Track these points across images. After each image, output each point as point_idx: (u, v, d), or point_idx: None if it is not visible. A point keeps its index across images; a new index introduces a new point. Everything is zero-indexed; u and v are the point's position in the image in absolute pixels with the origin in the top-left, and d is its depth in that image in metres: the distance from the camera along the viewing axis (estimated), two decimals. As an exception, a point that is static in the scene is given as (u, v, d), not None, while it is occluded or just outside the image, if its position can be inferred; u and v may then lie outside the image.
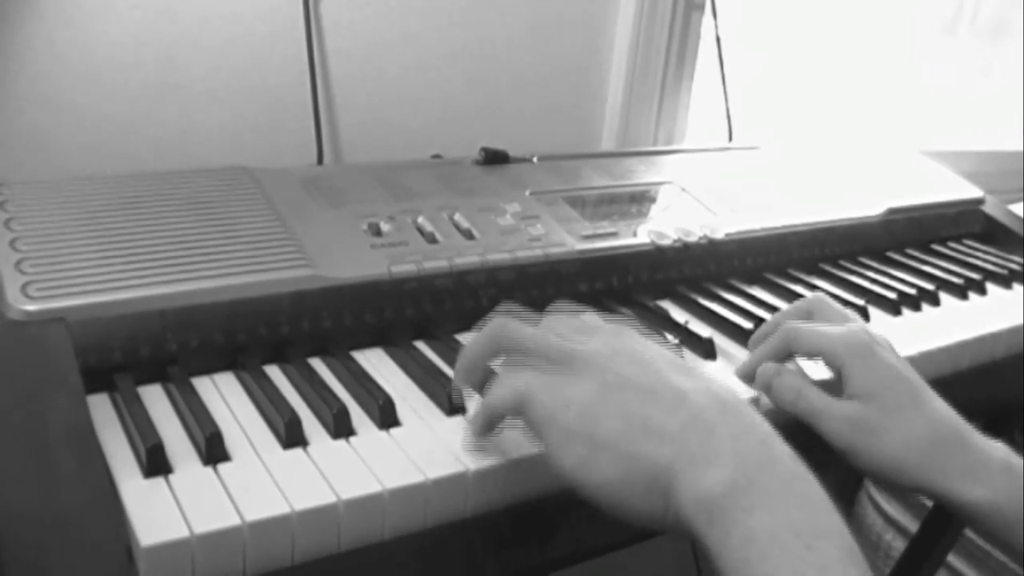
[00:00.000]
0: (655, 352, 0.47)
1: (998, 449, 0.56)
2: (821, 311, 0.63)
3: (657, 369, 0.46)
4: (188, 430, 0.50)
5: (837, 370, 0.58)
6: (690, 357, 0.65)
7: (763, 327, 0.66)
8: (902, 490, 0.57)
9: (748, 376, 0.63)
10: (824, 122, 1.38)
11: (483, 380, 0.50)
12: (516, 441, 0.49)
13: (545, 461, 0.45)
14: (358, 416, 0.53)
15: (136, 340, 0.54)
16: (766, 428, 0.44)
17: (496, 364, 0.50)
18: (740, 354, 0.67)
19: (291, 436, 0.50)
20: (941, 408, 0.57)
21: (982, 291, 0.87)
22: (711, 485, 0.41)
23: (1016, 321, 0.80)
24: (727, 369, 0.65)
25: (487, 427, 0.48)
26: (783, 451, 0.43)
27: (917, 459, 0.55)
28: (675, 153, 0.94)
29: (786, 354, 0.61)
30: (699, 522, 0.41)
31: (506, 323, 0.49)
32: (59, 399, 0.46)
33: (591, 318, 0.51)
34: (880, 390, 0.56)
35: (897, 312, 0.79)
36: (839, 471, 0.58)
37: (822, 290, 0.80)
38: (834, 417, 0.56)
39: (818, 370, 0.61)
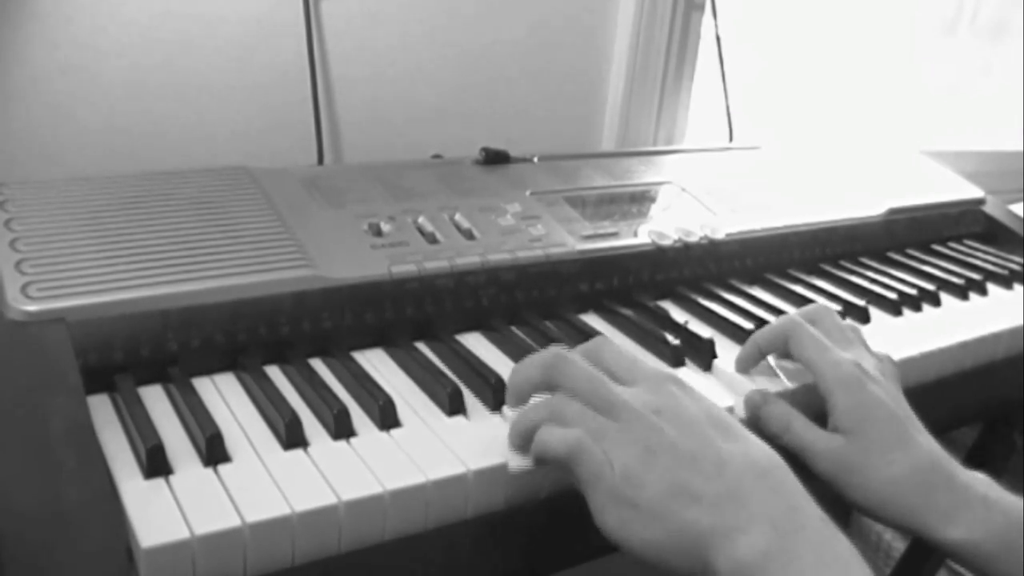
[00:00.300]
0: (697, 406, 0.49)
1: (979, 482, 0.56)
2: (822, 322, 0.63)
3: (700, 431, 0.47)
4: (188, 431, 0.50)
5: (824, 396, 0.58)
6: (690, 358, 0.65)
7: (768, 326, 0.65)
8: (885, 524, 0.57)
9: (746, 366, 0.64)
10: (824, 122, 1.38)
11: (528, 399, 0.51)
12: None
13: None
14: (359, 417, 0.53)
15: (136, 340, 0.54)
16: (799, 492, 0.46)
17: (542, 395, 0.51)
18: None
19: (291, 437, 0.50)
20: (925, 446, 0.57)
21: (983, 291, 0.87)
22: (745, 553, 0.43)
23: (1017, 322, 0.80)
24: (728, 369, 0.65)
25: (535, 461, 0.49)
26: (814, 514, 0.45)
27: (898, 500, 0.55)
28: (675, 153, 0.94)
29: (782, 346, 0.61)
30: None
31: (558, 358, 0.50)
32: (59, 399, 0.46)
33: (636, 357, 0.52)
34: (864, 428, 0.56)
35: (898, 312, 0.79)
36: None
37: (823, 290, 0.80)
38: (819, 453, 0.57)
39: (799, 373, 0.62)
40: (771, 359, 0.64)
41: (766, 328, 0.63)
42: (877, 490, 0.56)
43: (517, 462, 0.49)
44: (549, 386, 0.50)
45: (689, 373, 0.64)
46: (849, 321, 0.65)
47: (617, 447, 0.46)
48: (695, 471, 0.45)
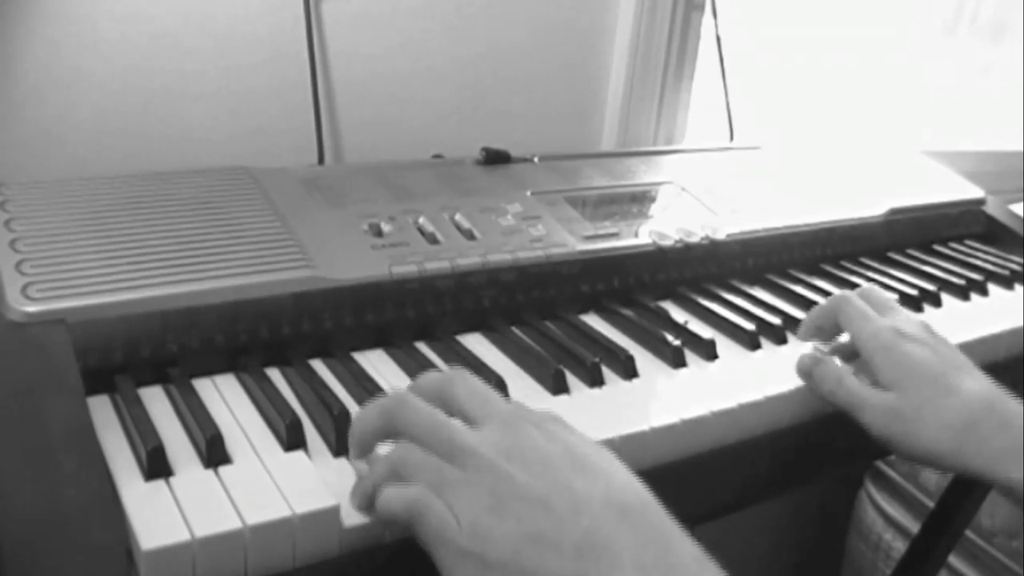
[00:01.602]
0: (552, 446, 0.44)
1: None
2: (867, 299, 0.66)
3: (553, 471, 0.43)
4: (189, 432, 0.50)
5: (868, 361, 0.61)
6: (691, 358, 0.65)
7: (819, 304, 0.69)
8: (948, 472, 0.58)
9: (805, 335, 0.69)
10: (824, 122, 1.38)
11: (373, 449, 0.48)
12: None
13: None
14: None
15: (136, 341, 0.54)
16: (668, 530, 0.42)
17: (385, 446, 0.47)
18: (742, 355, 0.67)
19: (292, 438, 0.50)
20: (975, 388, 0.58)
21: (983, 292, 0.87)
22: None
23: (1017, 322, 0.80)
24: (728, 369, 0.65)
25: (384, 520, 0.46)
26: (687, 553, 0.41)
27: (952, 445, 0.56)
28: (675, 153, 0.94)
29: (833, 320, 0.65)
30: None
31: (399, 401, 0.46)
32: (59, 400, 0.46)
33: (488, 391, 0.48)
34: (907, 382, 0.58)
35: (898, 313, 0.79)
36: (839, 472, 0.59)
37: (823, 291, 0.80)
38: (871, 407, 0.58)
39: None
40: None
41: (818, 306, 0.68)
42: (932, 438, 0.56)
43: (355, 519, 0.45)
44: (390, 433, 0.46)
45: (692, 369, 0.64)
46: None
47: (462, 499, 0.42)
48: (549, 518, 0.41)
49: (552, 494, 0.42)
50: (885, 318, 0.63)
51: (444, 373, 0.48)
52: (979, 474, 0.56)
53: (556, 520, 0.41)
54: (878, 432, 0.58)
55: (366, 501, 0.45)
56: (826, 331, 0.67)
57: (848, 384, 0.60)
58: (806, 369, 0.62)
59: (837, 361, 0.63)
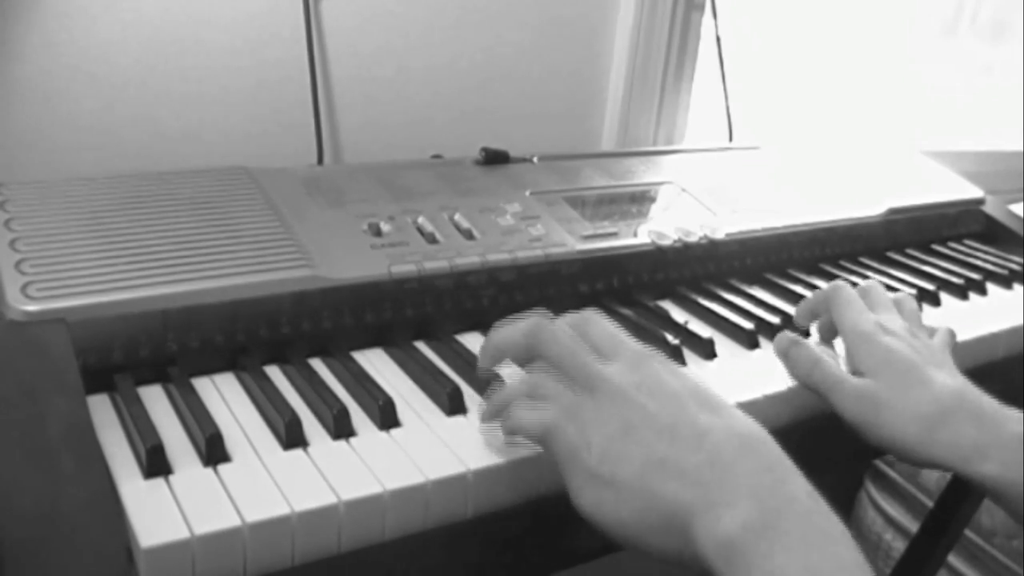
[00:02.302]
0: (679, 382, 0.47)
1: (1013, 420, 0.56)
2: (867, 290, 0.67)
3: (679, 404, 0.46)
4: (188, 431, 0.50)
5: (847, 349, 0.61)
6: (690, 357, 0.65)
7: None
8: (916, 465, 0.58)
9: (801, 319, 0.69)
10: (824, 122, 1.38)
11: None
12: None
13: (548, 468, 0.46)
14: (358, 417, 0.53)
15: (136, 341, 0.54)
16: (786, 465, 0.44)
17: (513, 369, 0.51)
18: (741, 354, 0.67)
19: (291, 437, 0.50)
20: (948, 382, 0.58)
21: (982, 291, 0.87)
22: (728, 527, 0.41)
23: (1016, 321, 0.80)
24: (727, 369, 0.65)
25: (508, 436, 0.49)
26: (801, 488, 0.43)
27: (923, 435, 0.56)
28: (675, 153, 0.94)
29: (826, 307, 0.66)
30: (718, 562, 0.41)
31: (543, 326, 0.49)
32: (59, 400, 0.46)
33: (620, 332, 0.51)
34: (881, 370, 0.58)
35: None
36: (839, 471, 0.59)
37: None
38: (844, 391, 0.58)
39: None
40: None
41: (815, 292, 0.68)
42: (904, 427, 0.56)
43: (490, 435, 0.49)
44: (529, 351, 0.49)
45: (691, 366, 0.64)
46: (904, 293, 0.69)
47: (593, 424, 0.45)
48: (674, 444, 0.44)
49: (678, 423, 0.45)
50: (875, 312, 0.63)
51: (581, 314, 0.52)
52: (947, 467, 0.56)
53: (680, 447, 0.44)
54: (849, 416, 0.58)
55: (496, 414, 0.48)
56: (820, 314, 0.68)
57: (823, 366, 0.60)
58: (783, 349, 0.62)
59: (814, 345, 0.63)
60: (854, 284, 0.81)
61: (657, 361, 0.48)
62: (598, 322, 0.51)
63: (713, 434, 0.44)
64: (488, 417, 0.50)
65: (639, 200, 0.81)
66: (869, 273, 0.86)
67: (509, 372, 0.51)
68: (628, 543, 0.44)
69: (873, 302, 0.65)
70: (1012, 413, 0.57)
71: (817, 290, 0.69)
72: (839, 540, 0.41)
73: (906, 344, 0.60)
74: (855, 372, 0.60)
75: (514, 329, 0.50)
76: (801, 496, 0.42)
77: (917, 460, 0.57)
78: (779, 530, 0.41)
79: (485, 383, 0.57)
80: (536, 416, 0.46)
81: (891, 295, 0.67)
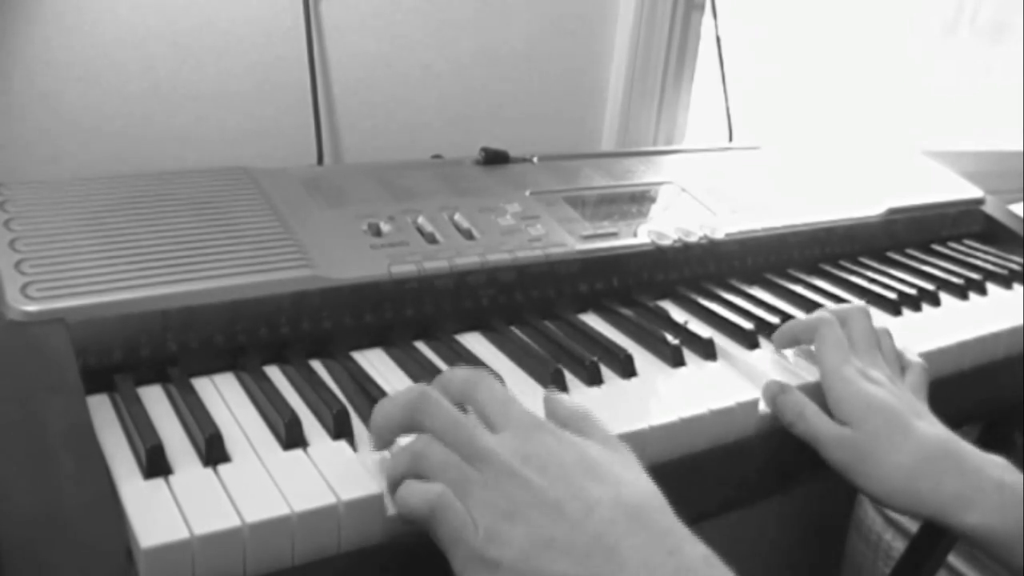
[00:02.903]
0: (568, 453, 0.45)
1: (994, 466, 0.57)
2: (853, 324, 0.65)
3: (568, 477, 0.44)
4: (188, 431, 0.50)
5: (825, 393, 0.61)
6: (690, 357, 0.65)
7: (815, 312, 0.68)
8: (902, 514, 0.58)
9: (780, 343, 0.67)
10: (824, 122, 1.38)
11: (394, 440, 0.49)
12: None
13: None
14: (358, 417, 0.53)
15: (136, 341, 0.54)
16: (678, 533, 0.43)
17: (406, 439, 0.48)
18: (740, 354, 0.67)
19: (291, 437, 0.50)
20: (931, 433, 0.58)
21: (982, 291, 0.87)
22: None
23: (1016, 321, 0.80)
24: (727, 369, 0.65)
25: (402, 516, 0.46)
26: (696, 555, 0.42)
27: (906, 484, 0.56)
28: (675, 153, 0.94)
29: (810, 337, 0.64)
30: None
31: (425, 399, 0.47)
32: (59, 400, 0.46)
33: (510, 398, 0.48)
34: (862, 419, 0.58)
35: (897, 312, 0.79)
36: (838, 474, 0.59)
37: (822, 290, 0.80)
38: (828, 441, 0.59)
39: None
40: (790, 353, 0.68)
41: (803, 318, 0.67)
42: (887, 477, 0.56)
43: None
44: (412, 428, 0.47)
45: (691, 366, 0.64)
46: (882, 326, 0.67)
47: (479, 502, 0.43)
48: (561, 521, 0.42)
49: (564, 499, 0.43)
50: (857, 357, 0.62)
51: (468, 374, 0.49)
52: (932, 517, 0.56)
53: (568, 524, 0.42)
54: (836, 465, 0.59)
55: (392, 489, 0.46)
56: (802, 343, 0.67)
57: (807, 416, 0.60)
58: (771, 395, 0.62)
59: (797, 392, 0.62)
60: (852, 286, 0.82)
61: (546, 430, 0.46)
62: (487, 386, 0.48)
63: (600, 508, 0.43)
64: (389, 488, 0.47)
65: (639, 200, 0.81)
66: (869, 273, 0.86)
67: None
68: None
69: (854, 332, 0.64)
70: (994, 459, 0.57)
71: (801, 319, 0.67)
72: None
73: (887, 391, 0.60)
74: (836, 417, 0.60)
75: (392, 404, 0.48)
76: (696, 565, 0.41)
77: (902, 509, 0.57)
78: None
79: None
80: (421, 494, 0.44)
81: (873, 326, 0.66)
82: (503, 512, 0.43)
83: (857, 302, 0.69)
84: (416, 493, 0.44)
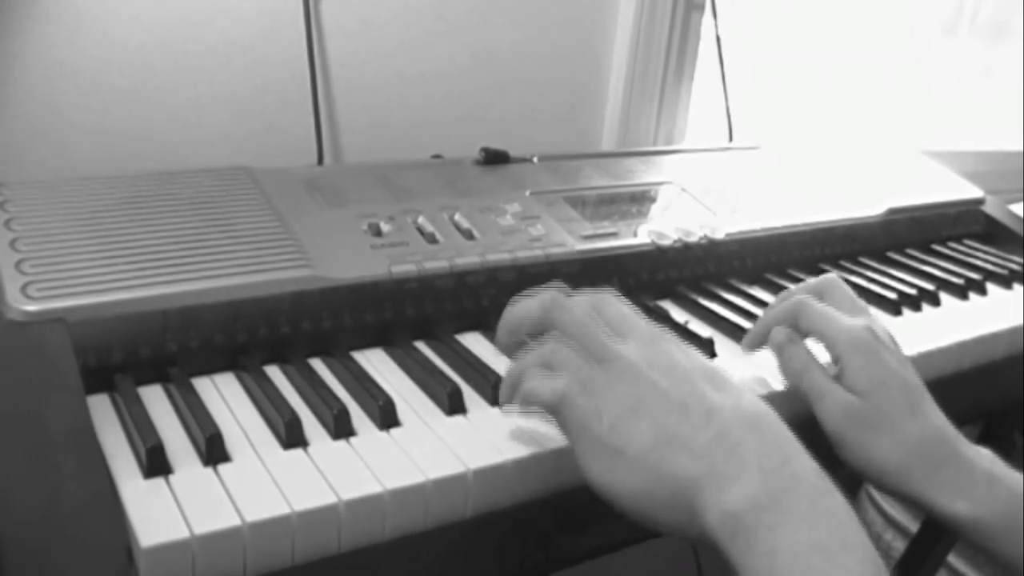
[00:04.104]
0: (690, 362, 0.48)
1: (984, 458, 0.57)
2: (831, 293, 0.63)
3: (690, 381, 0.46)
4: (188, 431, 0.50)
5: (836, 360, 0.58)
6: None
7: (775, 301, 0.65)
8: (886, 493, 0.57)
9: (754, 344, 0.64)
10: (824, 122, 1.38)
11: (521, 344, 0.52)
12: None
13: (567, 457, 0.47)
14: (358, 416, 0.53)
15: (136, 340, 0.54)
16: (792, 444, 0.45)
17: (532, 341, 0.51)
18: (740, 354, 0.67)
19: (291, 436, 0.50)
20: (934, 418, 0.57)
21: (982, 291, 0.87)
22: (735, 502, 0.42)
23: (1016, 321, 0.80)
24: (727, 369, 0.64)
25: (524, 408, 0.49)
26: (808, 467, 0.44)
27: (901, 466, 0.56)
28: (675, 153, 0.94)
29: (792, 324, 0.61)
30: (723, 536, 0.42)
31: (558, 300, 0.50)
32: (59, 400, 0.46)
33: (635, 313, 0.51)
34: (877, 391, 0.56)
35: (897, 312, 0.79)
36: (839, 471, 0.59)
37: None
38: (831, 402, 0.57)
39: (821, 351, 0.61)
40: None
41: (774, 309, 0.63)
42: (883, 455, 0.56)
43: (509, 407, 0.50)
44: (544, 324, 0.50)
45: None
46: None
47: (605, 396, 0.46)
48: (684, 419, 0.45)
49: (688, 400, 0.45)
50: (856, 318, 0.60)
51: (596, 294, 0.52)
52: (919, 499, 0.56)
53: (690, 423, 0.44)
54: (830, 429, 0.57)
55: (512, 387, 0.49)
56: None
57: (815, 372, 0.58)
58: (779, 343, 0.60)
59: (806, 347, 0.61)
60: (853, 286, 0.82)
61: (669, 341, 0.49)
62: (613, 302, 0.51)
63: (722, 412, 0.45)
64: (505, 392, 0.50)
65: (639, 200, 0.81)
66: (869, 272, 0.86)
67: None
68: (635, 515, 0.45)
69: (840, 303, 0.62)
70: (983, 452, 0.57)
71: (769, 311, 0.63)
72: (844, 519, 0.42)
73: (898, 362, 0.58)
74: (842, 381, 0.58)
75: (531, 302, 0.51)
76: (808, 475, 0.43)
77: (889, 489, 0.56)
78: (784, 507, 0.41)
79: (485, 382, 0.57)
80: (548, 385, 0.47)
81: (851, 291, 0.64)
82: (629, 407, 0.45)
83: (826, 275, 0.66)
84: (543, 385, 0.47)
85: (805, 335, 0.61)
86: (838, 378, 0.58)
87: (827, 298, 0.62)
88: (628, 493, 0.44)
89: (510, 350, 0.53)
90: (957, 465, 0.56)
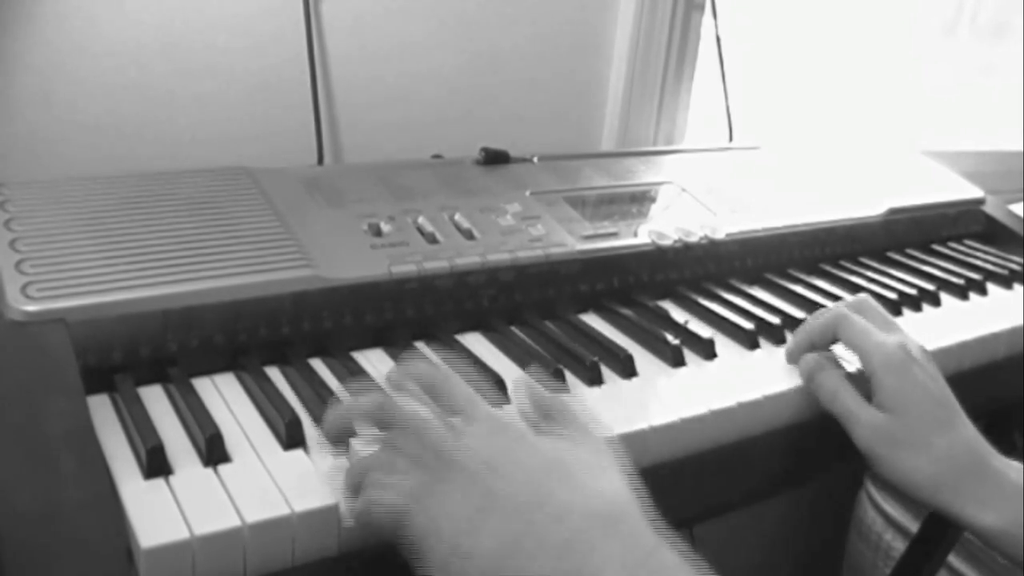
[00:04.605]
0: (534, 457, 0.44)
1: (1014, 470, 0.58)
2: (865, 312, 0.65)
3: (535, 482, 0.43)
4: (188, 431, 0.50)
5: (869, 377, 0.60)
6: (690, 357, 0.65)
7: (813, 316, 0.67)
8: (917, 501, 0.59)
9: (795, 355, 0.66)
10: (824, 122, 1.38)
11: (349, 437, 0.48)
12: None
13: None
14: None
15: (136, 341, 0.54)
16: (651, 539, 0.42)
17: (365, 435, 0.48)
18: (741, 355, 0.67)
19: (292, 437, 0.50)
20: (965, 434, 0.59)
21: (983, 291, 0.87)
22: None
23: (1016, 321, 0.80)
24: (727, 369, 0.65)
25: (365, 521, 0.45)
26: (670, 560, 0.41)
27: (932, 481, 0.57)
28: (675, 153, 0.94)
29: (831, 338, 0.64)
30: None
31: (391, 403, 0.46)
32: (59, 400, 0.46)
33: (474, 397, 0.48)
34: (909, 408, 0.59)
35: (898, 312, 0.79)
36: (839, 472, 0.59)
37: (823, 290, 0.80)
38: (862, 423, 0.59)
39: (855, 360, 0.63)
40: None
41: (815, 321, 0.65)
42: (913, 468, 0.58)
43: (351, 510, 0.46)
44: (376, 424, 0.46)
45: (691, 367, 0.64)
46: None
47: (444, 509, 0.42)
48: (530, 526, 0.41)
49: (534, 503, 0.42)
50: (890, 335, 0.62)
51: (437, 369, 0.49)
52: (949, 512, 0.57)
53: (537, 529, 0.41)
54: (864, 447, 0.59)
55: (353, 491, 0.45)
56: (819, 347, 0.65)
57: (844, 396, 0.60)
58: (809, 373, 0.63)
59: (837, 370, 0.63)
60: (853, 286, 0.82)
61: (512, 431, 0.46)
62: (453, 383, 0.48)
63: (573, 513, 0.42)
64: (347, 495, 0.46)
65: (639, 200, 0.81)
66: (869, 273, 0.86)
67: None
68: None
69: (875, 320, 0.64)
70: (1013, 464, 0.59)
71: (813, 321, 0.66)
72: None
73: (930, 378, 0.60)
74: (875, 399, 0.60)
75: (358, 402, 0.47)
76: (672, 567, 0.41)
77: (920, 500, 0.58)
78: None
79: (484, 383, 0.56)
80: (393, 492, 0.43)
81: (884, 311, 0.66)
82: (469, 517, 0.42)
83: (860, 294, 0.69)
84: (381, 495, 0.43)
85: (844, 345, 0.63)
86: (870, 396, 0.60)
87: (863, 315, 0.64)
88: None
89: (338, 441, 0.48)
90: (984, 477, 0.57)
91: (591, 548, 0.40)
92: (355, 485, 0.45)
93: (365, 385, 0.49)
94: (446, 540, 0.41)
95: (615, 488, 0.44)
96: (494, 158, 0.81)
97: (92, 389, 0.51)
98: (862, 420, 0.59)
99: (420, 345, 0.63)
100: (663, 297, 0.75)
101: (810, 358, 0.63)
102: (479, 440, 0.44)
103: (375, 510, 0.43)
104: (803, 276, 0.83)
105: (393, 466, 0.44)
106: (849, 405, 0.60)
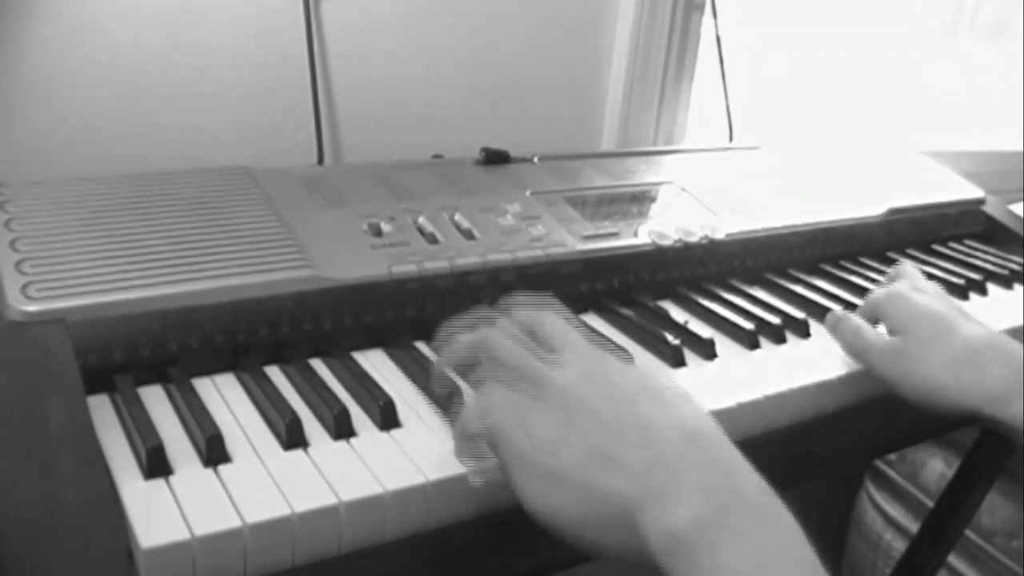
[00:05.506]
0: (626, 379, 0.47)
1: None
2: (902, 276, 0.72)
3: (626, 399, 0.45)
4: (188, 431, 0.50)
5: (882, 318, 0.66)
6: (691, 357, 0.65)
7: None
8: (947, 415, 0.61)
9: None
10: (824, 122, 1.38)
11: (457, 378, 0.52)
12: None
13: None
14: (359, 417, 0.53)
15: (136, 341, 0.54)
16: (734, 459, 0.43)
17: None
18: (741, 355, 0.67)
19: (292, 437, 0.50)
20: (977, 329, 0.62)
21: (983, 291, 0.87)
22: (675, 522, 0.40)
23: (1016, 321, 0.80)
24: (727, 369, 0.65)
25: (469, 444, 0.48)
26: (751, 482, 0.42)
27: (952, 380, 0.59)
28: (675, 153, 0.94)
29: (874, 317, 0.68)
30: (666, 558, 0.40)
31: (487, 338, 0.50)
32: (59, 400, 0.46)
33: (570, 329, 0.51)
34: (912, 326, 0.63)
35: (898, 312, 0.79)
36: (839, 473, 0.59)
37: (823, 290, 0.80)
38: (878, 349, 0.64)
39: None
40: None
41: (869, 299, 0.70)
42: (932, 372, 0.60)
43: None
44: (476, 359, 0.50)
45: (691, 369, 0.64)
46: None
47: (535, 418, 0.45)
48: (619, 438, 0.43)
49: (623, 418, 0.44)
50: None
51: (528, 311, 0.52)
52: (976, 410, 0.59)
53: (625, 442, 0.43)
54: (881, 372, 0.63)
55: (468, 441, 0.48)
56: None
57: (862, 333, 0.65)
58: (832, 324, 0.68)
59: (856, 317, 0.68)
60: (853, 286, 0.82)
61: (605, 358, 0.49)
62: (547, 318, 0.51)
63: (660, 430, 0.44)
64: (461, 446, 0.49)
65: (639, 200, 0.81)
66: (869, 273, 0.86)
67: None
68: (575, 540, 0.43)
69: (907, 277, 0.71)
70: None
71: (870, 297, 0.70)
72: (790, 536, 0.41)
73: (935, 299, 0.65)
74: (887, 330, 0.65)
75: (459, 344, 0.51)
76: (751, 491, 0.42)
77: (947, 407, 0.59)
78: (727, 525, 0.40)
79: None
80: (477, 408, 0.47)
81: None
82: (560, 427, 0.44)
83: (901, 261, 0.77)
84: (472, 409, 0.47)
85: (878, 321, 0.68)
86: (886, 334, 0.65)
87: (899, 280, 0.71)
88: (566, 519, 0.43)
89: (443, 400, 0.53)
90: (1009, 367, 0.58)
91: (675, 461, 0.42)
92: (463, 429, 0.48)
93: (456, 336, 0.52)
94: (539, 448, 0.44)
95: (698, 410, 0.47)
96: (494, 158, 0.81)
97: (92, 389, 0.51)
98: (878, 347, 0.63)
99: (420, 345, 0.63)
100: (663, 297, 0.75)
101: (831, 314, 0.69)
102: (573, 364, 0.47)
103: (472, 431, 0.47)
104: (803, 276, 0.83)
105: (494, 390, 0.47)
106: (864, 338, 0.65)
